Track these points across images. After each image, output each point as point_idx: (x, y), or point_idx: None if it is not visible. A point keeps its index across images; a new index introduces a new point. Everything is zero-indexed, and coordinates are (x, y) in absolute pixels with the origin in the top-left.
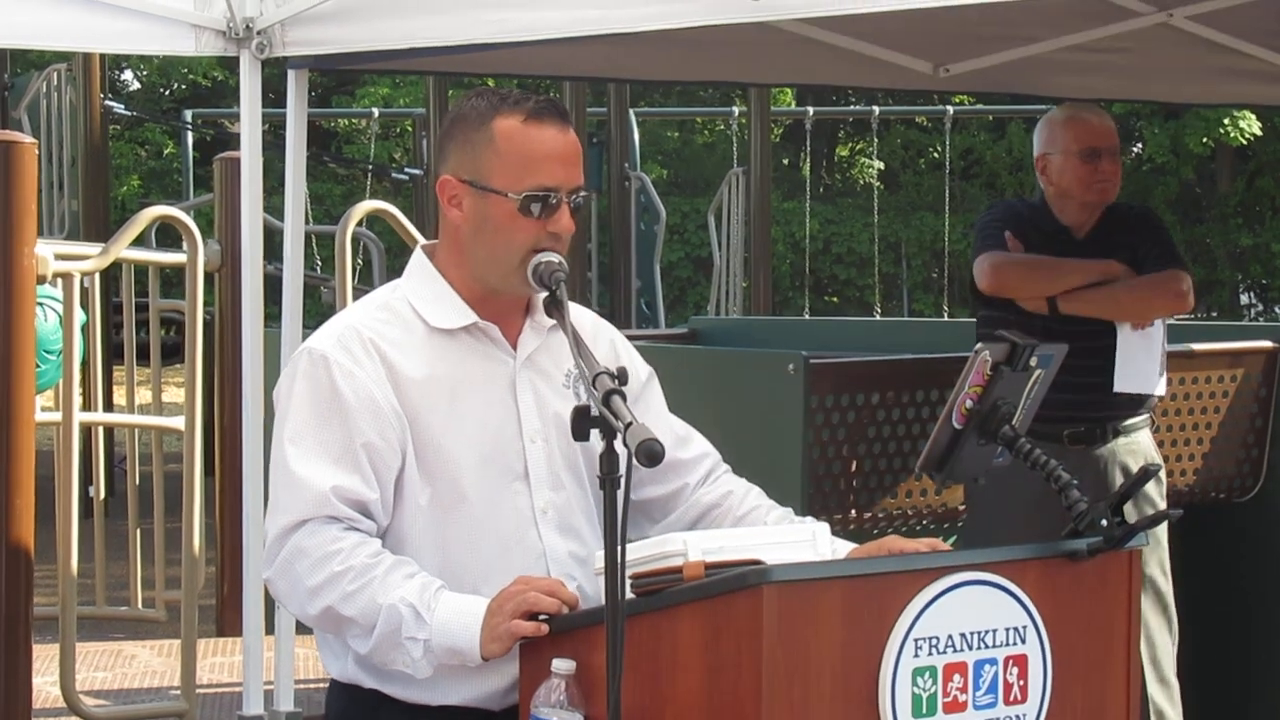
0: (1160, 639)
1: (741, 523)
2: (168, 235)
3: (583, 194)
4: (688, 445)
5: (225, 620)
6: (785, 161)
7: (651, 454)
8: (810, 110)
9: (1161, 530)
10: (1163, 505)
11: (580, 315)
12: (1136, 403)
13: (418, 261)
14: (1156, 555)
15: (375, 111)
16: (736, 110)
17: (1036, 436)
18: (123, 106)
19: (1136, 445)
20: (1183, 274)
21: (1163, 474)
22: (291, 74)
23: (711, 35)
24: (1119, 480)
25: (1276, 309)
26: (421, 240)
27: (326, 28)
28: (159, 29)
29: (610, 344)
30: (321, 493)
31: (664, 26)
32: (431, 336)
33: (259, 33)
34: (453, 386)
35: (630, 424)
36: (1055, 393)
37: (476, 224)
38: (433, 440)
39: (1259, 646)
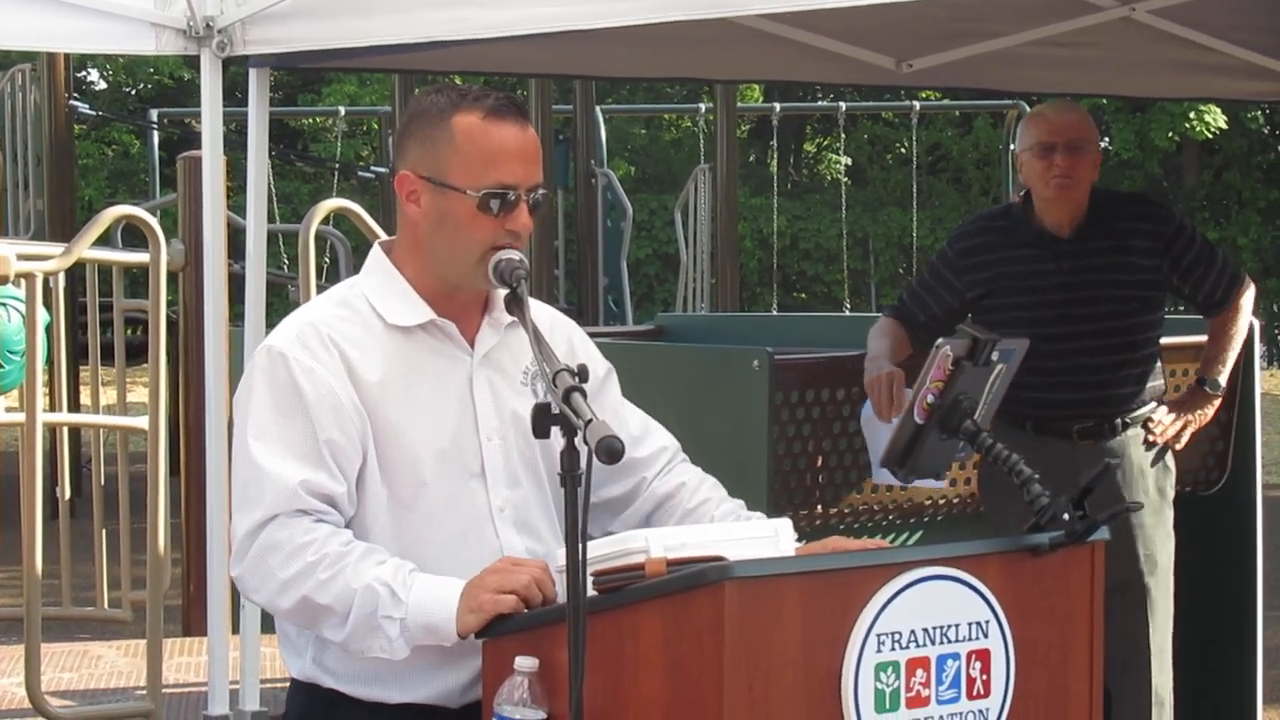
0: (1169, 628)
1: (691, 515)
2: (135, 235)
3: (541, 192)
4: (644, 442)
5: (191, 620)
6: (752, 158)
7: (611, 451)
8: (777, 106)
9: (1170, 519)
10: (1171, 494)
11: (539, 311)
12: (1142, 394)
13: (375, 258)
14: (1168, 546)
15: (341, 110)
16: (703, 107)
17: (1047, 434)
18: (88, 106)
19: (1144, 435)
20: (1247, 281)
21: (1171, 461)
22: (253, 72)
23: (675, 31)
24: (1132, 471)
25: None
26: (384, 237)
27: (287, 26)
28: (119, 28)
29: (568, 340)
30: (290, 487)
31: (625, 23)
32: (389, 333)
33: (219, 31)
34: (410, 384)
35: (590, 421)
36: (1065, 391)
37: (435, 220)
38: (391, 437)
39: (1227, 640)
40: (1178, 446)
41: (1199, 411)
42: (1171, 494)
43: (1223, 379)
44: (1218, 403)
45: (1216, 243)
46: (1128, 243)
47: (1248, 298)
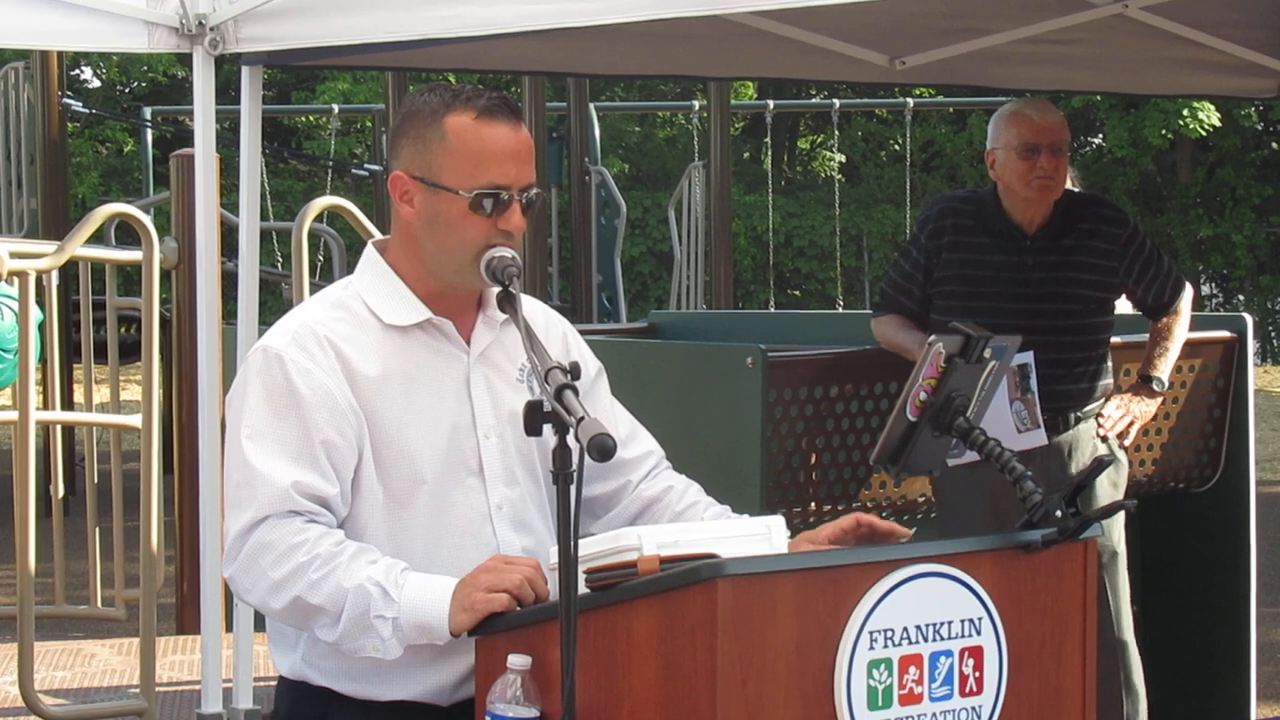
0: (1128, 616)
1: (680, 518)
2: (128, 233)
3: (534, 192)
4: (632, 443)
5: (185, 618)
6: (746, 155)
7: (603, 449)
8: (771, 104)
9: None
10: (1123, 487)
11: (532, 308)
12: (1095, 391)
13: (369, 258)
14: (1123, 538)
15: (335, 108)
16: (697, 104)
17: None
18: (81, 104)
19: (1095, 429)
20: (1188, 286)
21: (1122, 455)
22: (245, 70)
23: (669, 29)
24: (1084, 463)
25: (1237, 299)
26: (378, 235)
27: (280, 24)
28: (111, 26)
29: (562, 338)
30: (282, 488)
31: (619, 20)
32: (385, 333)
33: (212, 29)
34: (407, 383)
35: (583, 419)
36: None
37: (428, 221)
38: (388, 436)
39: (1221, 636)
40: (1125, 442)
41: (1144, 408)
42: (1123, 486)
43: (1166, 377)
44: (1160, 400)
45: (1210, 240)
46: (1089, 243)
47: (1189, 301)
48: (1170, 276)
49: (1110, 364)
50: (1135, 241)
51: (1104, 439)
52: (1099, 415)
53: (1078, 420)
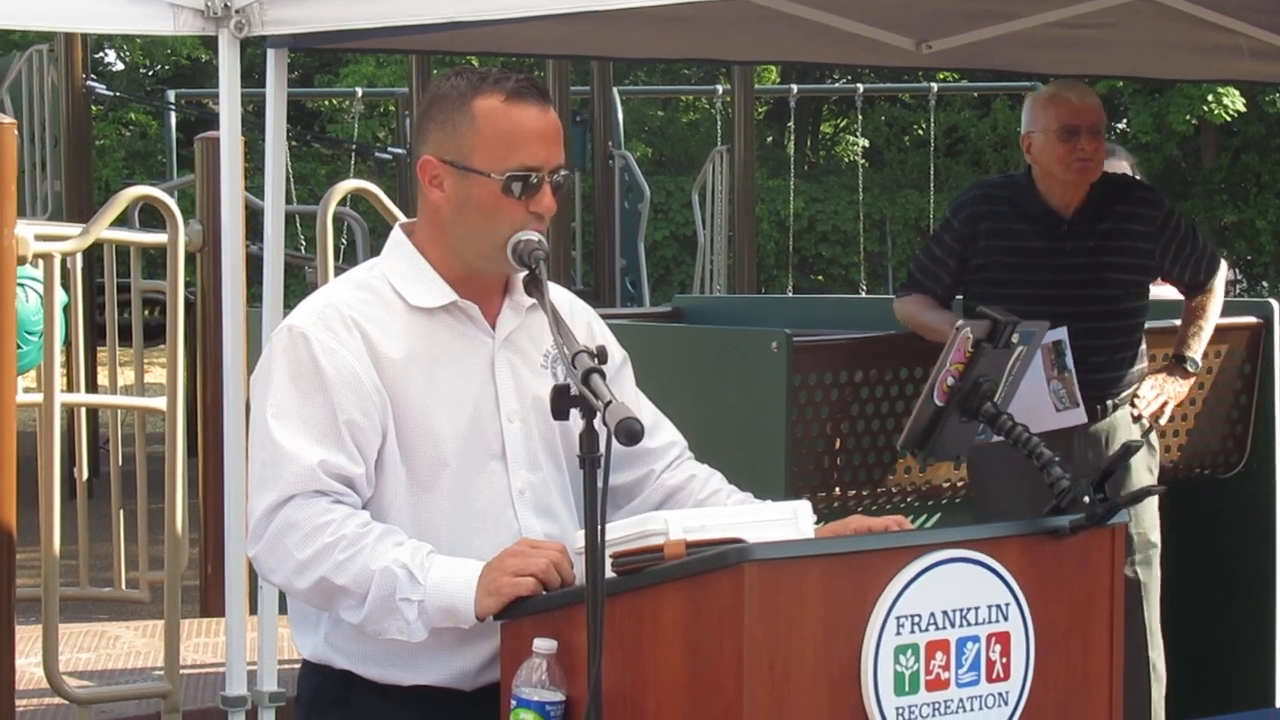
0: (1157, 603)
1: (702, 506)
2: (152, 216)
3: (564, 173)
4: (656, 433)
5: (209, 601)
6: (770, 139)
7: (630, 432)
8: (794, 88)
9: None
10: (1157, 473)
11: (558, 295)
12: (1131, 377)
13: (396, 240)
14: (1157, 525)
15: (359, 91)
16: (721, 88)
17: None
18: (105, 87)
19: (1130, 413)
20: (1222, 268)
21: (1155, 440)
22: (270, 53)
23: (693, 12)
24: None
25: (1261, 285)
26: (402, 218)
27: (305, 6)
28: (137, 9)
29: (587, 325)
30: (309, 467)
31: (644, 3)
32: (411, 315)
33: (237, 11)
34: (431, 365)
35: (610, 402)
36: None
37: (458, 204)
38: (411, 419)
39: (1244, 622)
40: (1161, 422)
41: (1178, 388)
42: (1157, 472)
43: (1200, 357)
44: (1193, 380)
45: (1235, 225)
46: (1127, 226)
47: (1223, 279)
48: (1206, 253)
49: (1145, 348)
50: (1171, 222)
51: (1137, 419)
52: (1134, 398)
53: (1115, 407)
